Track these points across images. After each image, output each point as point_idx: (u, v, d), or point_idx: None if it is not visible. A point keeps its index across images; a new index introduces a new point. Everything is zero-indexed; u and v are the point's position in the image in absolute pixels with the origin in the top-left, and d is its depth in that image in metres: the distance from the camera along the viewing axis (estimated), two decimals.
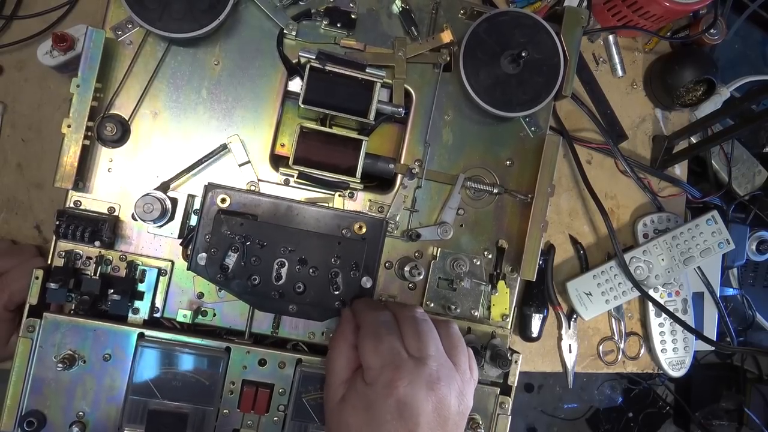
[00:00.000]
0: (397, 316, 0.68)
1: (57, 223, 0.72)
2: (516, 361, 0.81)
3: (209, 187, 0.69)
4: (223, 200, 0.69)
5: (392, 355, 0.63)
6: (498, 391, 0.82)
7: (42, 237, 0.91)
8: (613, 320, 1.08)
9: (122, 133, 0.75)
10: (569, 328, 1.06)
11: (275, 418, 0.76)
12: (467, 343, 0.80)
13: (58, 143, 0.72)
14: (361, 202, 0.80)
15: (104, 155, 0.76)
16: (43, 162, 0.91)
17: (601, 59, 1.11)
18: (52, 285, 0.71)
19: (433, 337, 0.66)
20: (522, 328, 1.02)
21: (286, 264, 0.69)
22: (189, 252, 0.73)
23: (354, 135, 0.77)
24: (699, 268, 1.09)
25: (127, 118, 0.76)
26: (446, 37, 0.80)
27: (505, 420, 0.82)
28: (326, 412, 0.67)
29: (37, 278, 0.72)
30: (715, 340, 1.08)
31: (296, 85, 0.79)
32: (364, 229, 0.71)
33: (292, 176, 0.77)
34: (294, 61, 0.79)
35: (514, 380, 0.82)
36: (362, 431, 0.62)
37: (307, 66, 0.75)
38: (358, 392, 0.63)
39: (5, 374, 0.72)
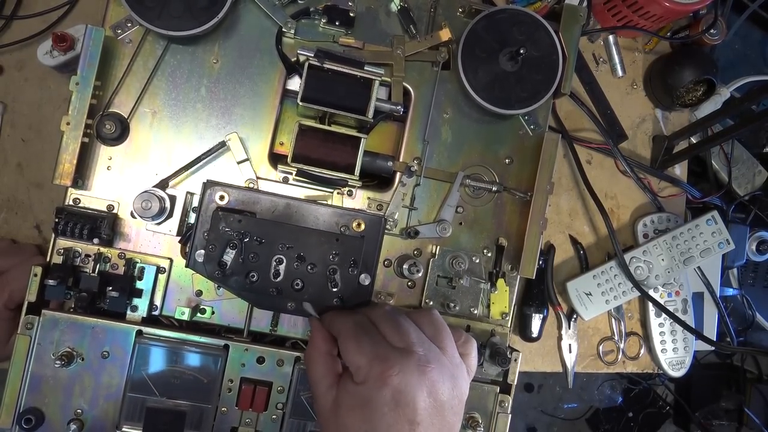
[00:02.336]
0: (370, 317, 0.68)
1: (56, 220, 0.73)
2: (516, 360, 0.81)
3: (208, 185, 0.68)
4: (222, 197, 0.68)
5: (377, 349, 0.63)
6: (498, 389, 0.82)
7: (42, 237, 0.91)
8: (613, 320, 1.08)
9: (121, 131, 0.76)
10: (569, 328, 1.06)
11: (273, 416, 0.76)
12: None
13: (58, 143, 0.72)
14: (360, 199, 0.80)
15: (103, 153, 0.76)
16: (43, 162, 0.91)
17: (601, 59, 1.11)
18: (51, 282, 0.71)
19: (410, 327, 0.66)
20: (522, 328, 1.02)
21: (285, 261, 0.69)
22: (187, 249, 0.73)
23: (353, 133, 0.77)
24: (699, 268, 1.08)
25: (126, 116, 0.76)
26: (445, 35, 0.80)
27: (504, 418, 0.81)
28: (322, 422, 0.66)
29: (35, 275, 0.72)
30: (715, 340, 1.08)
31: (295, 83, 0.79)
32: (362, 227, 0.71)
33: (291, 174, 0.77)
34: (293, 60, 0.79)
35: (513, 378, 0.82)
36: (362, 429, 0.61)
37: (306, 64, 0.75)
38: (351, 393, 0.63)
39: (6, 374, 0.72)
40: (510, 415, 0.82)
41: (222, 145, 0.77)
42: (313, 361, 0.67)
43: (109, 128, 0.74)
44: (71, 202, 0.75)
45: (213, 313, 0.78)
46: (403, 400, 0.60)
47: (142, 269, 0.76)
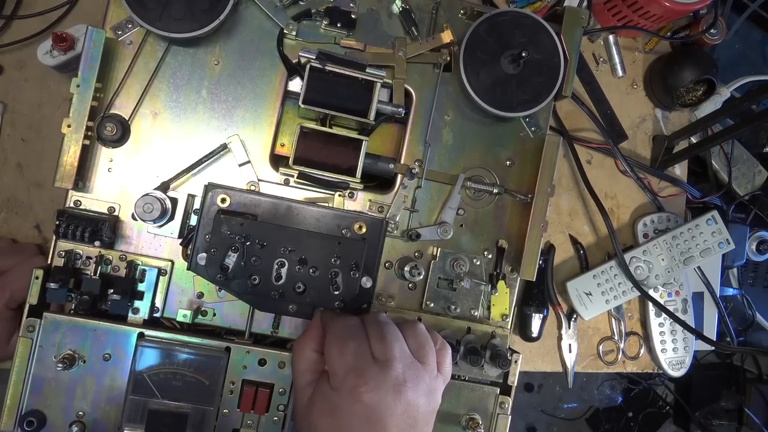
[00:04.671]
0: (363, 322, 0.68)
1: (57, 222, 0.72)
2: (516, 361, 0.81)
3: (209, 187, 0.68)
4: (223, 200, 0.68)
5: (357, 360, 0.63)
6: (498, 390, 0.82)
7: (42, 236, 0.91)
8: (613, 320, 1.08)
9: (122, 132, 0.75)
10: (569, 327, 1.06)
11: (275, 418, 0.76)
12: (466, 343, 0.80)
13: (58, 143, 0.72)
14: (361, 202, 0.80)
15: (104, 155, 0.76)
16: (43, 162, 0.91)
17: (601, 59, 1.11)
18: (52, 285, 0.71)
19: (396, 339, 0.66)
20: (522, 327, 1.02)
21: (286, 264, 0.69)
22: (189, 252, 0.73)
23: (354, 135, 0.77)
24: (699, 268, 1.09)
25: (127, 118, 0.76)
26: (446, 37, 0.80)
27: (504, 420, 0.82)
28: (296, 414, 0.67)
29: (37, 278, 0.72)
30: (715, 340, 1.08)
31: (296, 85, 0.79)
32: (364, 229, 0.71)
33: (292, 176, 0.77)
34: (294, 61, 0.79)
35: (514, 380, 0.82)
36: None
37: (307, 66, 0.75)
38: (325, 396, 0.63)
39: (6, 374, 0.72)
40: (510, 416, 0.82)
41: (223, 148, 0.77)
42: (299, 353, 0.68)
43: (110, 130, 0.74)
44: (72, 205, 0.75)
45: (214, 315, 0.78)
46: (374, 416, 0.60)
47: (143, 271, 0.76)
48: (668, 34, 1.14)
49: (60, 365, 0.71)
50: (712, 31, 1.09)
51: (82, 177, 0.75)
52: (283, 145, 0.82)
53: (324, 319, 0.69)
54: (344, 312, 0.71)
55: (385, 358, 0.63)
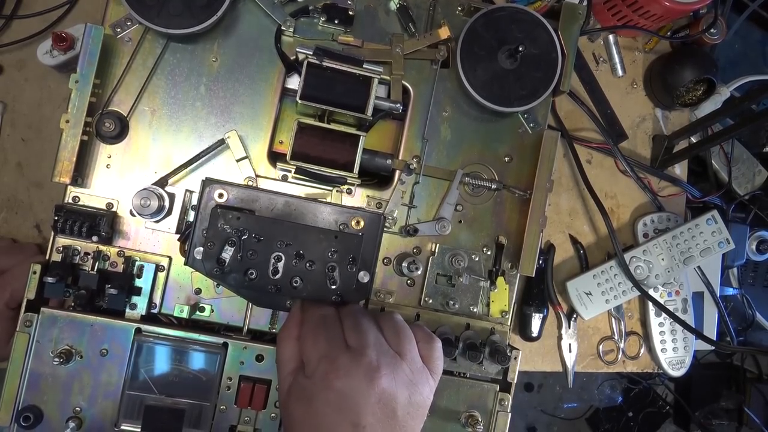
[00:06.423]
0: (338, 312, 0.68)
1: (55, 218, 0.73)
2: (516, 358, 0.81)
3: (207, 182, 0.68)
4: (221, 195, 0.68)
5: (329, 347, 0.63)
6: (497, 387, 0.81)
7: (42, 236, 0.91)
8: (613, 320, 1.08)
9: (120, 129, 0.76)
10: (569, 327, 1.05)
11: (272, 414, 0.76)
12: (465, 339, 0.80)
13: (58, 142, 0.72)
14: (359, 197, 0.80)
15: (102, 151, 0.76)
16: (42, 161, 0.91)
17: (601, 59, 1.11)
18: (50, 280, 0.71)
19: (370, 328, 0.65)
20: (522, 327, 1.02)
21: (283, 258, 0.69)
22: (186, 247, 0.73)
23: (352, 131, 0.77)
24: (699, 267, 1.08)
25: (125, 115, 0.77)
26: (444, 33, 0.81)
27: (504, 417, 0.81)
28: (280, 403, 0.68)
29: (34, 273, 0.72)
30: (715, 339, 1.08)
31: (294, 81, 0.80)
32: (361, 224, 0.70)
33: (290, 172, 0.77)
34: (292, 58, 0.79)
35: (513, 377, 0.81)
36: (305, 423, 0.62)
37: (305, 62, 0.75)
38: (300, 385, 0.63)
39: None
40: (510, 414, 0.82)
41: (221, 143, 0.77)
42: (282, 343, 0.68)
43: (108, 126, 0.75)
44: (70, 200, 0.76)
45: (212, 311, 0.78)
46: (345, 404, 0.60)
47: (141, 267, 0.76)
48: (668, 33, 1.13)
49: (57, 360, 0.71)
50: (712, 30, 1.08)
51: (80, 173, 0.75)
52: (281, 143, 0.82)
53: (302, 309, 0.70)
54: (322, 302, 0.71)
55: (359, 345, 0.63)
